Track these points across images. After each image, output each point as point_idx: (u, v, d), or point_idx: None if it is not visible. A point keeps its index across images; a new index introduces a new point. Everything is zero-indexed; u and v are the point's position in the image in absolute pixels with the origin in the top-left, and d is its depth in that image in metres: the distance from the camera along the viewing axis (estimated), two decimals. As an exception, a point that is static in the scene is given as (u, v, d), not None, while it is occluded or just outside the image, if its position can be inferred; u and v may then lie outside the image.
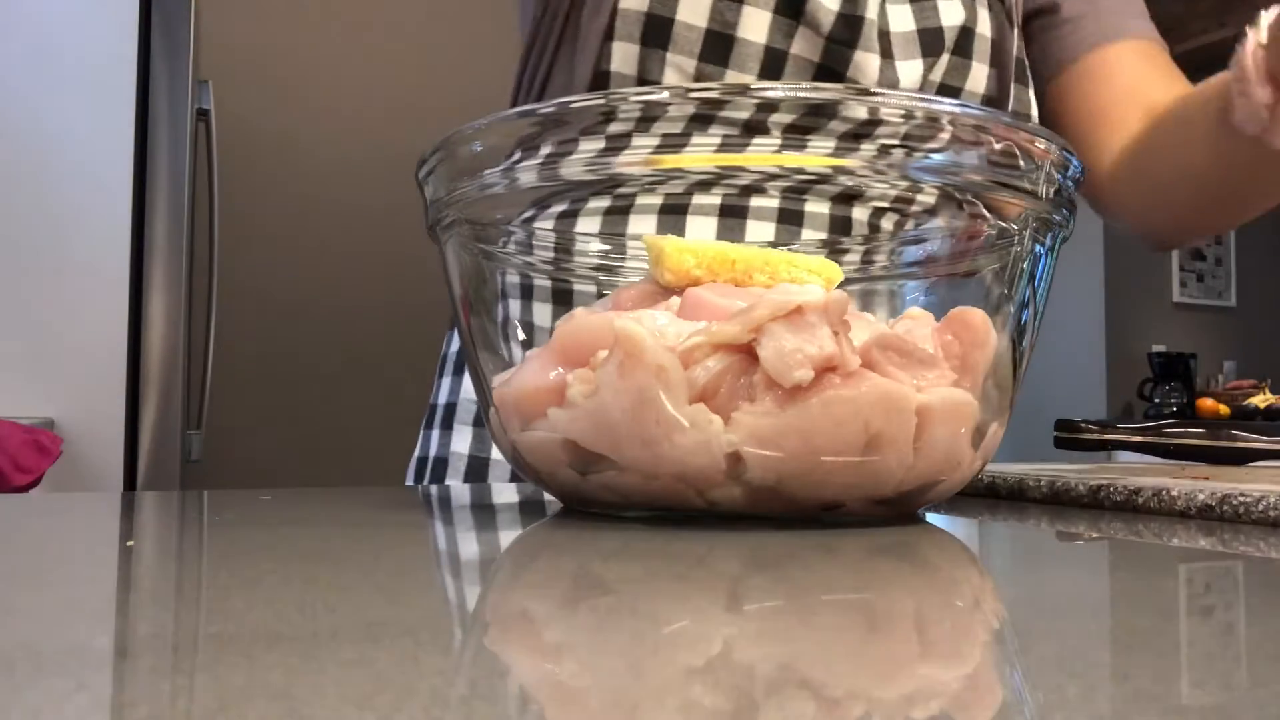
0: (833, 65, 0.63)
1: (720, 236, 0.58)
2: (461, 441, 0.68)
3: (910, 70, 0.65)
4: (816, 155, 0.34)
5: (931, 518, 0.38)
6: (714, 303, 0.35)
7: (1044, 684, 0.15)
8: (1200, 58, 3.38)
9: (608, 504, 0.36)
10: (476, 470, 0.67)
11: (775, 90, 0.33)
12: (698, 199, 0.59)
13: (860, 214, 0.59)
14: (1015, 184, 0.35)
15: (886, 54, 0.64)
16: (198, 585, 0.25)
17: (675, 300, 0.36)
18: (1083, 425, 0.67)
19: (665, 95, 0.34)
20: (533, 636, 0.19)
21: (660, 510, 0.35)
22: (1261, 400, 2.89)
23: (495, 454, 0.66)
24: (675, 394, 0.31)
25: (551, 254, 0.49)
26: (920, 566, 0.28)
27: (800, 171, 0.35)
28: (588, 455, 0.34)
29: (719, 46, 0.61)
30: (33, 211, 2.36)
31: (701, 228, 0.59)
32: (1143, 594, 0.24)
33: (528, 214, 0.47)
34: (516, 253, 0.47)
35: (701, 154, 0.34)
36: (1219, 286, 3.61)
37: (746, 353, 0.32)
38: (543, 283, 0.57)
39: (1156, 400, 3.21)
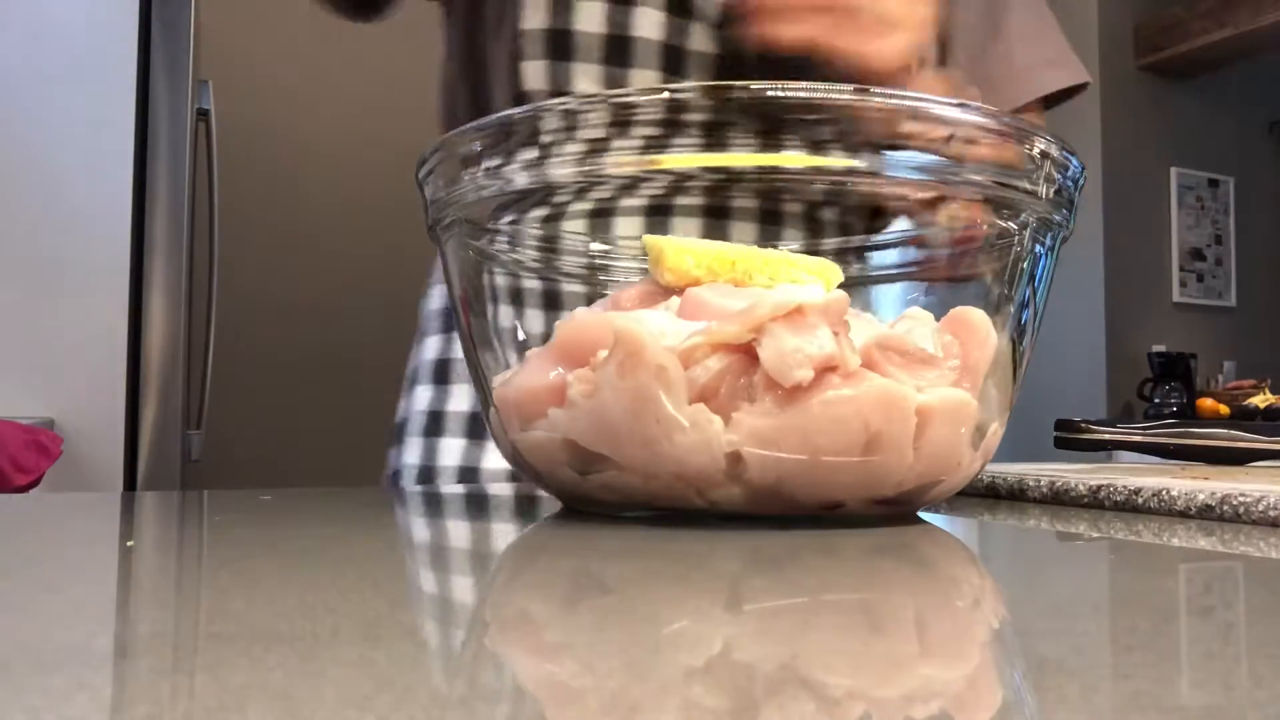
0: (730, 52, 0.64)
1: (705, 236, 0.59)
2: (412, 454, 0.69)
3: None
4: (821, 157, 0.34)
5: (931, 518, 0.38)
6: (714, 303, 0.35)
7: (1044, 684, 0.15)
8: (1200, 58, 3.38)
9: (608, 504, 0.36)
10: (425, 478, 0.69)
11: (780, 91, 0.33)
12: (681, 200, 0.60)
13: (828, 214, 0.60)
14: (1015, 184, 0.35)
15: None
16: (198, 585, 0.25)
17: (675, 300, 0.36)
18: (1083, 425, 0.67)
19: (686, 95, 0.34)
20: (533, 636, 0.19)
21: (660, 510, 0.35)
22: (1261, 400, 2.89)
23: (443, 462, 0.67)
24: (675, 394, 0.31)
25: (552, 255, 0.49)
26: (920, 566, 0.28)
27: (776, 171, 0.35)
28: (588, 455, 0.34)
29: (619, 49, 0.63)
30: (33, 211, 2.36)
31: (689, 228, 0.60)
32: (1143, 594, 0.24)
33: (527, 214, 0.47)
34: (516, 253, 0.47)
35: (708, 154, 0.34)
36: (1219, 286, 3.61)
37: (746, 353, 0.32)
38: (541, 283, 0.57)
39: (1156, 400, 3.20)
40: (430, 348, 0.72)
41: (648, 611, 0.21)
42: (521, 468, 0.38)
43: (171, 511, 0.42)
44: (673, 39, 0.64)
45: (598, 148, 0.35)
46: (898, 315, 0.39)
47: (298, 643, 0.17)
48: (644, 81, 0.64)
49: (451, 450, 0.67)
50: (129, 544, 0.32)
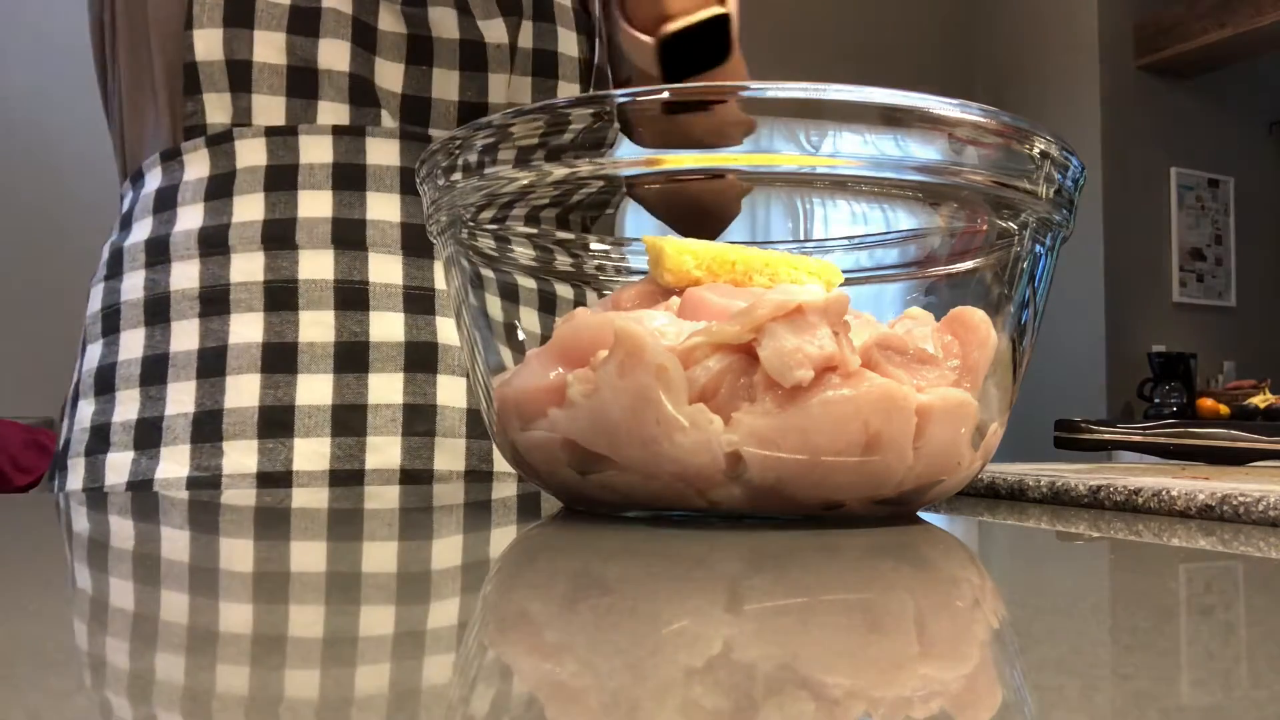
0: (418, 31, 0.63)
1: None
2: (75, 479, 0.61)
3: (494, 29, 0.65)
4: (823, 157, 0.34)
5: (931, 518, 0.38)
6: (714, 303, 0.35)
7: (1044, 684, 0.15)
8: (1200, 58, 3.38)
9: (608, 504, 0.36)
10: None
11: (783, 90, 0.33)
12: None
13: None
14: (1015, 184, 0.35)
15: (465, 11, 0.64)
16: (198, 585, 0.25)
17: (675, 300, 0.36)
18: (1083, 425, 0.67)
19: (666, 95, 0.34)
20: (533, 636, 0.19)
21: (660, 510, 0.35)
22: (1261, 400, 2.89)
23: (109, 481, 0.60)
24: (675, 394, 0.31)
25: (550, 255, 0.49)
26: (920, 566, 0.28)
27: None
28: (588, 455, 0.34)
29: (307, 18, 0.61)
30: (34, 211, 2.36)
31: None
32: (1143, 594, 0.24)
33: (526, 214, 0.47)
34: (513, 254, 0.47)
35: (709, 154, 0.34)
36: (1219, 286, 3.61)
37: (746, 353, 0.32)
38: (539, 284, 0.57)
39: (1156, 400, 3.20)
40: (92, 356, 0.64)
41: (648, 611, 0.21)
42: (521, 468, 0.38)
43: (172, 511, 0.42)
44: (364, 15, 0.61)
45: (598, 147, 0.35)
46: (898, 315, 0.39)
47: (298, 643, 0.17)
48: (333, 54, 0.61)
49: (118, 466, 0.59)
50: (129, 544, 0.32)
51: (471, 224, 0.42)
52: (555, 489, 0.38)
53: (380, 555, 0.30)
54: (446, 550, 0.32)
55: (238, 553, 0.30)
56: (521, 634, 0.19)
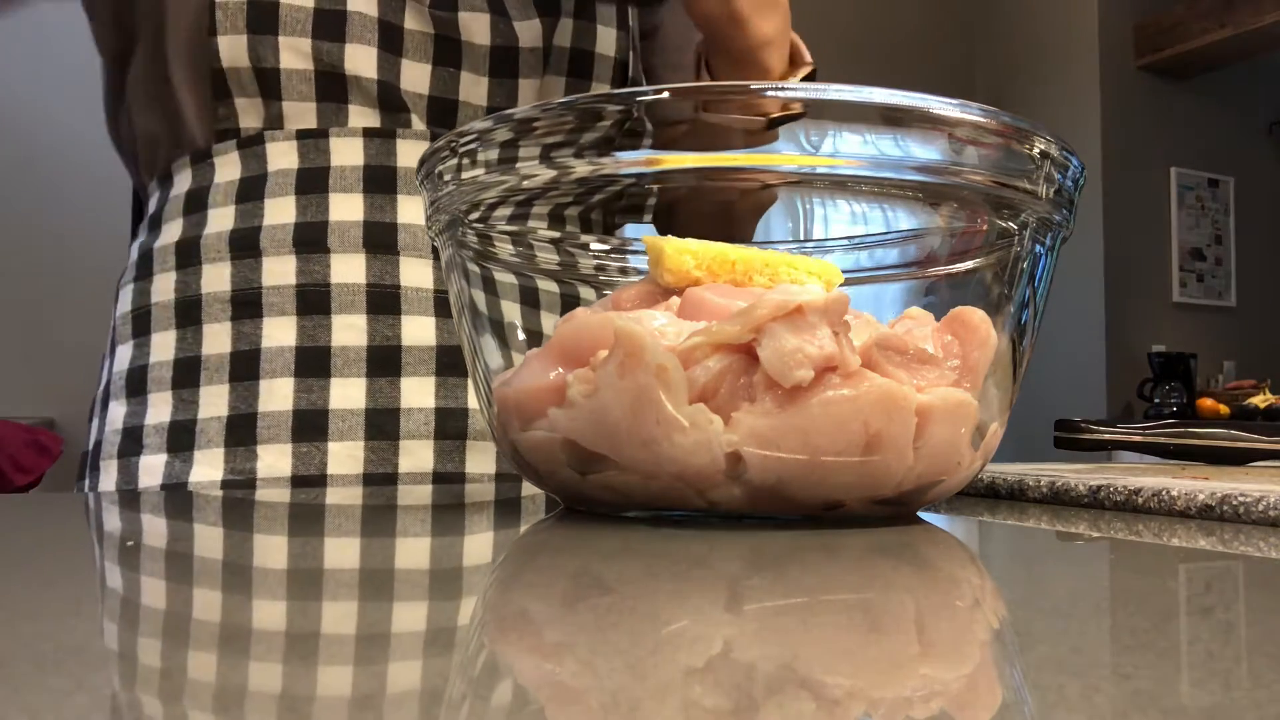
0: (445, 34, 0.63)
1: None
2: (108, 481, 0.61)
3: (529, 31, 0.64)
4: (823, 157, 0.34)
5: (931, 518, 0.38)
6: (714, 303, 0.35)
7: (1044, 684, 0.15)
8: (1200, 58, 3.38)
9: (608, 504, 0.36)
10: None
11: (789, 90, 0.33)
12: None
13: None
14: (1015, 184, 0.35)
15: (499, 11, 0.64)
16: (198, 585, 0.25)
17: (675, 300, 0.36)
18: (1083, 425, 0.67)
19: (666, 95, 0.34)
20: (533, 636, 0.19)
21: (660, 510, 0.35)
22: (1261, 400, 2.89)
23: (143, 483, 0.60)
24: (675, 394, 0.31)
25: (551, 255, 0.49)
26: (920, 566, 0.28)
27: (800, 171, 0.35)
28: (588, 455, 0.34)
29: (332, 22, 0.60)
30: (34, 212, 2.36)
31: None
32: (1143, 594, 0.24)
33: (525, 213, 0.47)
34: (515, 254, 0.47)
35: (708, 155, 0.34)
36: (1219, 286, 3.61)
37: (746, 353, 0.32)
38: (541, 284, 0.57)
39: (1156, 400, 3.20)
40: (123, 357, 0.64)
41: (648, 611, 0.21)
42: (521, 468, 0.38)
43: (171, 511, 0.42)
44: (390, 16, 0.61)
45: (602, 147, 0.35)
46: (898, 315, 0.39)
47: (298, 643, 0.17)
48: (359, 59, 0.61)
49: (152, 469, 0.59)
50: (129, 544, 0.32)
51: (479, 224, 0.42)
52: (555, 489, 0.38)
53: (380, 554, 0.30)
54: (446, 550, 0.32)
55: (220, 551, 0.30)
56: (521, 634, 0.19)
